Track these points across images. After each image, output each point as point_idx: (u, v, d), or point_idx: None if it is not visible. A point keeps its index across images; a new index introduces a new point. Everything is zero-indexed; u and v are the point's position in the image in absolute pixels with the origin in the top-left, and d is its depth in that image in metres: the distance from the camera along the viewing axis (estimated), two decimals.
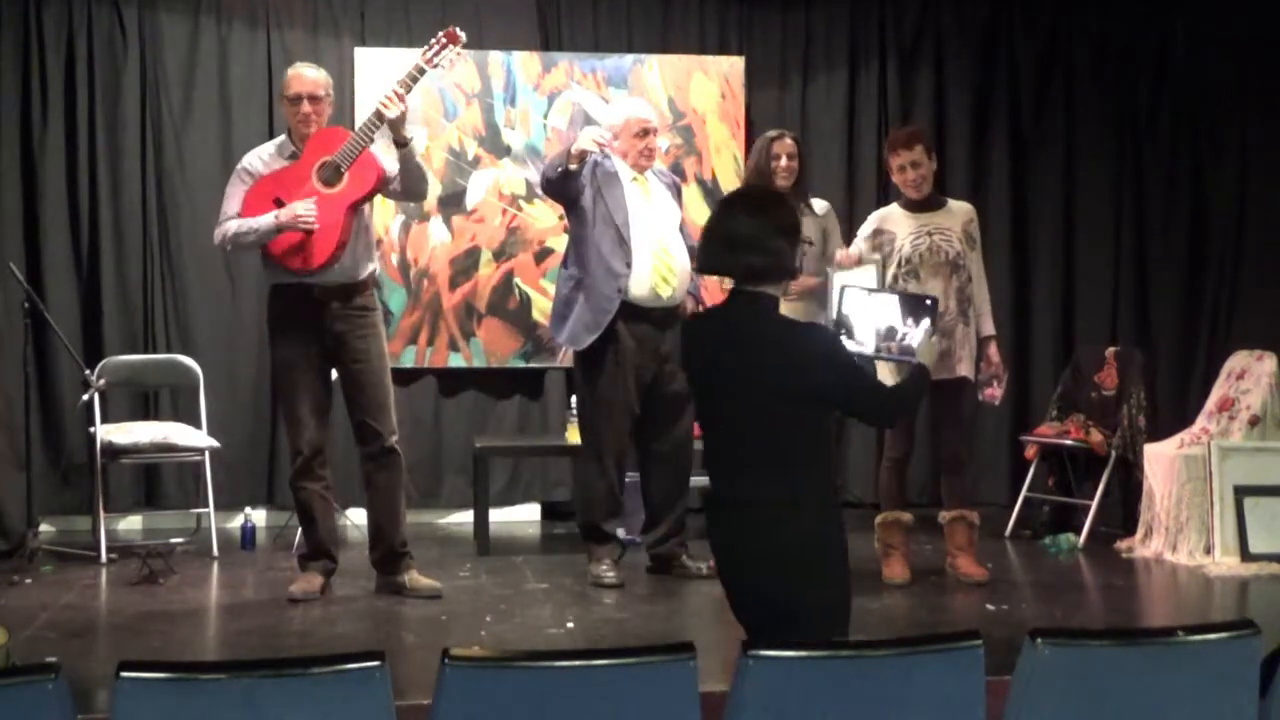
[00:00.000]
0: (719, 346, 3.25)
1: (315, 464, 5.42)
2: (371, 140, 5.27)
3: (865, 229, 5.80)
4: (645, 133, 5.71)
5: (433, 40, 5.37)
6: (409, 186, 5.37)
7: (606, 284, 5.60)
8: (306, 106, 5.32)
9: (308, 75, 5.40)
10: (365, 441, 5.42)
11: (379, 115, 5.22)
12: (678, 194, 5.97)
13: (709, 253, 3.30)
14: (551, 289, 6.54)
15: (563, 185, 5.65)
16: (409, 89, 5.26)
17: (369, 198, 5.35)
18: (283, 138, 5.49)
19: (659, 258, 5.66)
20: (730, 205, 3.37)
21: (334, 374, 5.48)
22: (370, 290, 5.43)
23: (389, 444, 5.39)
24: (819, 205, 5.95)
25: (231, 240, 5.35)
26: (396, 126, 5.22)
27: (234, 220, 5.33)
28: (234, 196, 5.38)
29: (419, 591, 5.38)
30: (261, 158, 5.43)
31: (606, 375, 5.65)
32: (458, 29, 5.39)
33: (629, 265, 5.61)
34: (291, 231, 5.22)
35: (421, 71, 5.31)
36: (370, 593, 5.46)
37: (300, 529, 5.73)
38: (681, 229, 5.85)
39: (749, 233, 3.19)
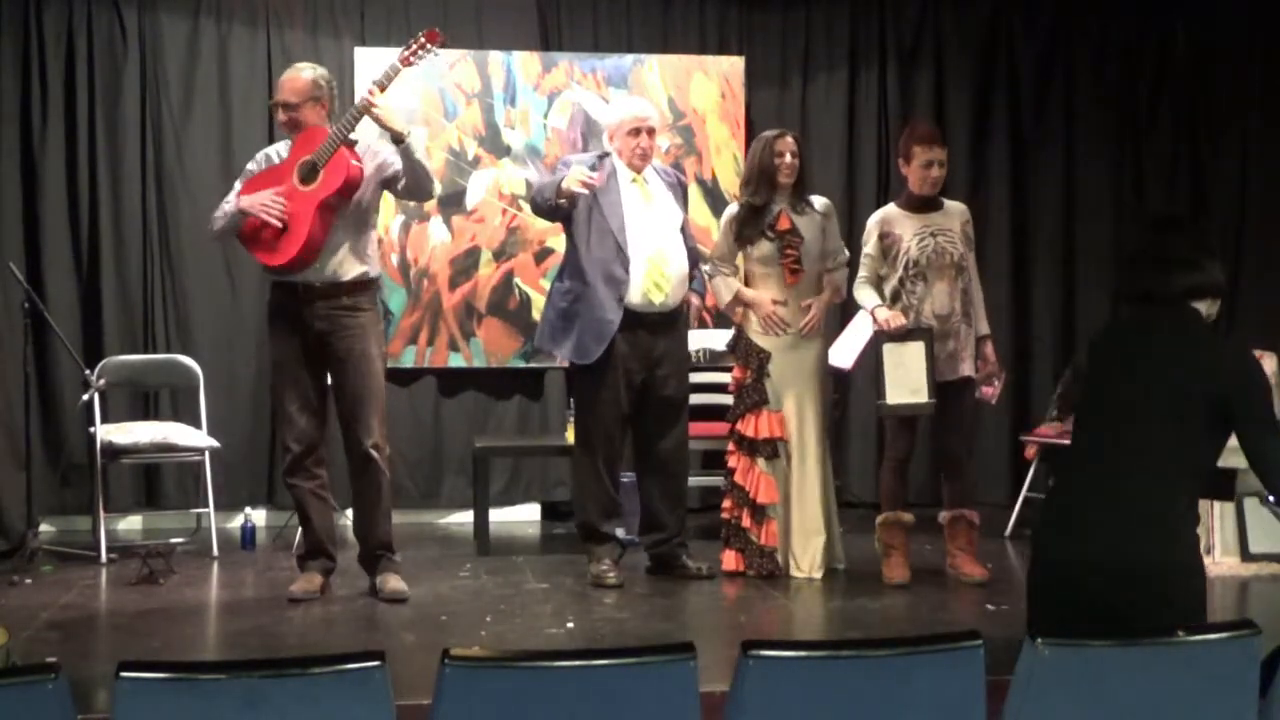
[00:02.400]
0: (1140, 358, 3.23)
1: (307, 461, 5.40)
2: (345, 139, 5.23)
3: (871, 235, 5.79)
4: (639, 131, 5.68)
5: (411, 40, 5.37)
6: (412, 185, 5.31)
7: (609, 293, 5.59)
8: (281, 115, 5.36)
9: (288, 81, 5.37)
10: (347, 445, 5.41)
11: (355, 114, 5.23)
12: (682, 192, 5.95)
13: (1143, 273, 3.29)
14: None
15: (551, 216, 5.73)
16: (384, 87, 5.23)
17: (340, 195, 5.24)
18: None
19: (653, 264, 5.64)
20: (1162, 226, 3.42)
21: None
22: (366, 292, 5.37)
23: (364, 450, 5.32)
24: (819, 202, 5.94)
25: (213, 229, 5.42)
26: (386, 123, 5.21)
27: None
28: (232, 192, 5.41)
29: (385, 595, 5.34)
30: (268, 155, 5.47)
31: (598, 378, 5.64)
32: (438, 29, 5.38)
33: (628, 271, 5.61)
34: (263, 226, 5.24)
35: (397, 70, 5.26)
36: (369, 592, 5.46)
37: (299, 528, 5.73)
38: (684, 229, 5.84)
39: (1184, 251, 3.26)
